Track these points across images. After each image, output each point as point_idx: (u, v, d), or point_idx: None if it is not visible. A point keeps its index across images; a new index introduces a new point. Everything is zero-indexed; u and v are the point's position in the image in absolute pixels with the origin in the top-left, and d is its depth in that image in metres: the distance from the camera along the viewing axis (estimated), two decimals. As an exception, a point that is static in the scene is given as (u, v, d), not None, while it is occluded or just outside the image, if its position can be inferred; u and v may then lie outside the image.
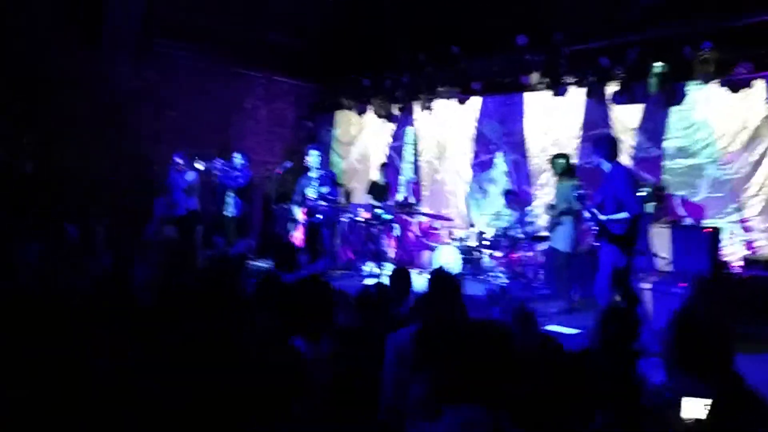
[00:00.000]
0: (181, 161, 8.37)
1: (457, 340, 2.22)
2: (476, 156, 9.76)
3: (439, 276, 3.48)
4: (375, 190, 9.67)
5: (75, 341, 2.37)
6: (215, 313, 2.97)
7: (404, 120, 10.45)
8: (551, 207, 6.87)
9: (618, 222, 5.22)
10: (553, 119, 8.79)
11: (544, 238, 7.49)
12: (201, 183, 8.65)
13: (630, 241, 5.32)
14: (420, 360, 2.64)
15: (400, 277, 4.16)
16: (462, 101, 9.68)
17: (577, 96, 8.31)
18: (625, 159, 7.55)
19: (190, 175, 8.32)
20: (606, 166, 5.36)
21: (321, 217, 7.06)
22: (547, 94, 8.58)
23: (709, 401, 2.26)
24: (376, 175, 9.91)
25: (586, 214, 5.45)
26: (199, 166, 8.31)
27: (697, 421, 2.22)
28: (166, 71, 9.55)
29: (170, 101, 9.67)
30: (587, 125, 8.32)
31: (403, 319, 3.37)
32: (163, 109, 9.63)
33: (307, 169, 7.92)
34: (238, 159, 8.28)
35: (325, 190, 7.16)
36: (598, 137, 5.80)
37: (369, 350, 2.86)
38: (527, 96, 9.02)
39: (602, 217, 5.34)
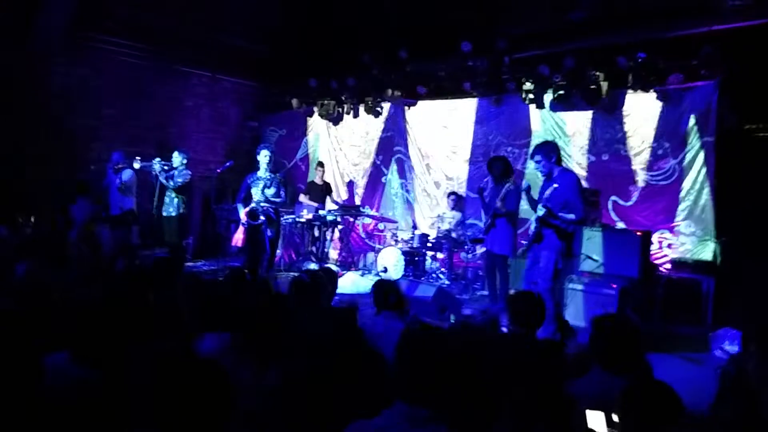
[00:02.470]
0: (118, 160, 8.18)
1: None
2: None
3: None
4: (314, 191, 9.65)
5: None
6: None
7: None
8: (480, 190, 6.78)
9: (567, 222, 5.34)
10: (492, 125, 8.95)
11: (483, 241, 7.55)
12: (139, 182, 8.43)
13: (570, 245, 5.47)
14: None
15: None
16: (408, 105, 9.76)
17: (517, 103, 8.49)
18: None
19: (127, 174, 8.11)
20: (554, 170, 5.50)
21: (263, 218, 6.94)
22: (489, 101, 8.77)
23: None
24: (315, 176, 9.91)
25: (540, 211, 5.37)
26: (137, 164, 8.10)
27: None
28: (103, 68, 9.24)
29: (108, 99, 9.37)
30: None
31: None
32: (101, 107, 9.33)
33: (253, 169, 7.79)
34: (177, 158, 8.08)
35: (271, 191, 7.04)
36: (544, 143, 5.90)
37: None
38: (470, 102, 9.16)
39: (558, 215, 5.33)
